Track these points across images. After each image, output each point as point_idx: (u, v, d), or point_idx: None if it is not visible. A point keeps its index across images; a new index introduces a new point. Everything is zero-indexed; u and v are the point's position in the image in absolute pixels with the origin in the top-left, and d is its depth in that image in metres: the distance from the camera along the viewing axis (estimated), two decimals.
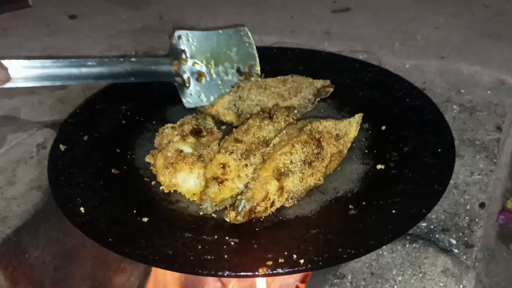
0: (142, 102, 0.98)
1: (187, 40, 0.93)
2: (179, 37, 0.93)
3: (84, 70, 0.83)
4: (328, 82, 0.95)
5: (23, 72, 0.77)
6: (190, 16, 1.43)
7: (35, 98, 1.08)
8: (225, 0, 1.53)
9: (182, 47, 0.93)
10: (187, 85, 0.93)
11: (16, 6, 1.55)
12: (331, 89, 0.96)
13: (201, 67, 0.94)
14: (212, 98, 0.94)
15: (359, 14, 1.40)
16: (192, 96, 0.94)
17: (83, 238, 0.86)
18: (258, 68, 0.98)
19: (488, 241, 1.25)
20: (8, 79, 0.75)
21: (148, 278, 1.02)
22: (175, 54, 0.93)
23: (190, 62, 0.93)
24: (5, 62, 0.75)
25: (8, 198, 0.80)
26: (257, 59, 0.98)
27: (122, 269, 0.97)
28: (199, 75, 0.94)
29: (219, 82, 0.95)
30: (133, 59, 0.88)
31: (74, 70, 0.83)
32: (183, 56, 0.93)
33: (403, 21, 1.34)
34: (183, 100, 0.94)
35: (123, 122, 0.93)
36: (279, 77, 0.94)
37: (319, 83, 0.94)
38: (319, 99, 0.95)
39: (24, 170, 0.86)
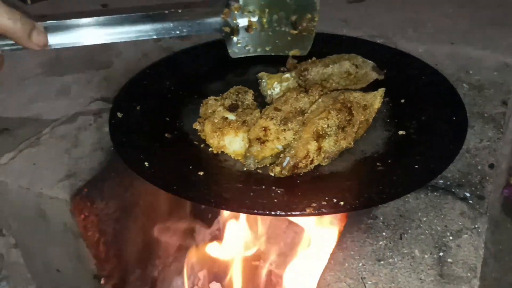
0: (183, 78, 1.08)
1: None
2: None
3: (127, 26, 0.77)
4: (382, 77, 1.01)
5: (62, 33, 0.72)
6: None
7: (83, 76, 1.19)
8: None
9: None
10: (235, 34, 0.86)
11: None
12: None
13: (253, 15, 0.86)
14: (259, 49, 0.88)
15: (373, 4, 1.50)
16: (239, 46, 0.88)
17: (138, 196, 0.98)
18: (316, 20, 0.88)
19: (493, 212, 1.37)
20: (46, 43, 0.69)
21: None
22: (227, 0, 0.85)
23: (241, 10, 0.85)
24: (43, 24, 0.69)
25: (76, 158, 0.91)
26: (318, 9, 0.87)
27: (167, 228, 1.08)
28: (249, 26, 0.86)
29: (270, 34, 0.87)
30: (180, 10, 0.81)
31: (117, 28, 0.77)
32: (235, 3, 0.85)
33: (414, 10, 1.44)
34: (229, 50, 0.89)
35: (169, 95, 1.03)
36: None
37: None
38: None
39: (85, 135, 0.97)
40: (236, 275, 1.11)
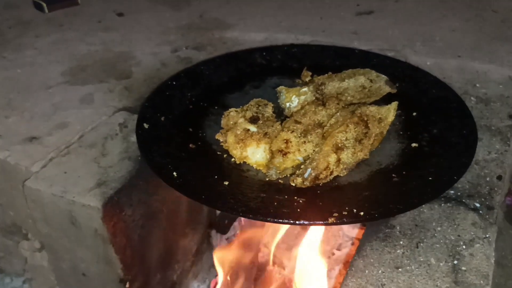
0: (204, 89, 1.12)
1: None
2: None
3: None
4: (395, 91, 1.05)
5: None
6: (229, 16, 1.58)
7: (105, 85, 1.23)
8: (257, 1, 1.68)
9: None
10: None
11: (66, 4, 1.70)
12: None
13: None
14: None
15: (382, 17, 1.55)
16: None
17: (161, 203, 1.02)
18: None
19: (497, 216, 1.41)
20: None
21: None
22: None
23: None
24: None
25: (105, 167, 0.95)
26: None
27: (186, 233, 1.13)
28: None
29: None
30: None
31: None
32: None
33: (422, 24, 1.50)
34: None
35: (190, 106, 1.07)
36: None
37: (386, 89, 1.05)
38: None
39: (113, 145, 1.01)
40: (251, 280, 1.15)
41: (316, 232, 1.07)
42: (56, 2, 1.68)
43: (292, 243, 1.19)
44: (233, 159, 0.92)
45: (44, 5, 1.65)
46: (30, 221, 1.04)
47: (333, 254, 1.20)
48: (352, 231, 1.23)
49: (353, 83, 1.04)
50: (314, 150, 0.89)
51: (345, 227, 1.22)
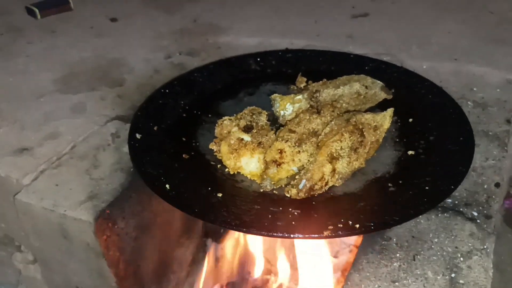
0: (197, 97, 1.11)
1: None
2: None
3: None
4: (390, 97, 1.04)
5: None
6: (222, 20, 1.57)
7: (97, 93, 1.22)
8: (251, 5, 1.67)
9: None
10: None
11: (59, 9, 1.68)
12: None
13: None
14: None
15: (377, 19, 1.54)
16: None
17: (155, 214, 1.01)
18: None
19: (495, 223, 1.40)
20: None
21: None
22: None
23: None
24: None
25: (96, 179, 0.94)
26: None
27: (181, 244, 1.11)
28: None
29: None
30: None
31: None
32: None
33: (418, 26, 1.48)
34: None
35: (184, 115, 1.06)
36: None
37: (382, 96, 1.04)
38: None
39: (105, 156, 0.99)
40: None
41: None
42: (49, 8, 1.66)
43: (290, 249, 1.17)
44: (227, 170, 0.91)
45: (37, 11, 1.63)
46: (22, 233, 1.02)
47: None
48: (350, 237, 1.22)
49: (348, 90, 1.03)
50: (309, 160, 0.87)
51: None
